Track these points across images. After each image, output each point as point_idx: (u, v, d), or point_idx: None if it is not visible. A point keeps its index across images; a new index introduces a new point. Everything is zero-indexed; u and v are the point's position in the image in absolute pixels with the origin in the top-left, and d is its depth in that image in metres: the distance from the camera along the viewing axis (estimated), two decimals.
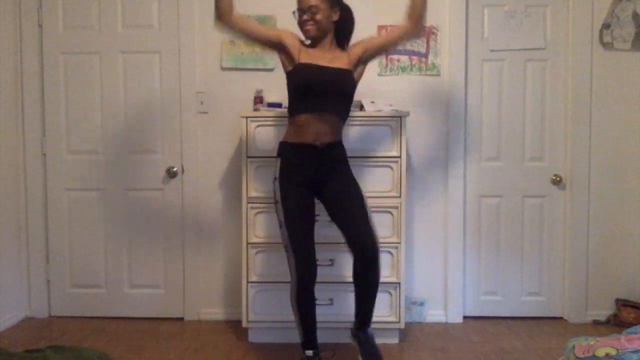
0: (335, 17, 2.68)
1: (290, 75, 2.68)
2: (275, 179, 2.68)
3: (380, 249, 2.60)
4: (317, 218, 2.95)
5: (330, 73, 2.61)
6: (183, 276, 3.59)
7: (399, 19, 3.45)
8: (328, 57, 2.66)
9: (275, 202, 2.68)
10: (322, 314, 2.98)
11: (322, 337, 2.98)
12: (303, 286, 2.64)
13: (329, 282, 3.06)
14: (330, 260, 3.08)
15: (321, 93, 2.58)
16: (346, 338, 3.13)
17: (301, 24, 2.67)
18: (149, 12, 3.52)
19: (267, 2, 3.49)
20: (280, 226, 2.68)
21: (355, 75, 2.73)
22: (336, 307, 3.10)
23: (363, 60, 2.74)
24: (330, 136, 2.63)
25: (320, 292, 3.04)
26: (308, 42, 2.72)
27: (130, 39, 3.53)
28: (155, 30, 3.53)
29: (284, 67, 2.71)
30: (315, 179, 2.65)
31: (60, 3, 3.53)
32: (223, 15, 2.58)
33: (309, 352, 2.71)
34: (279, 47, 2.67)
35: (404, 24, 2.72)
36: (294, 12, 2.68)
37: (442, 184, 3.55)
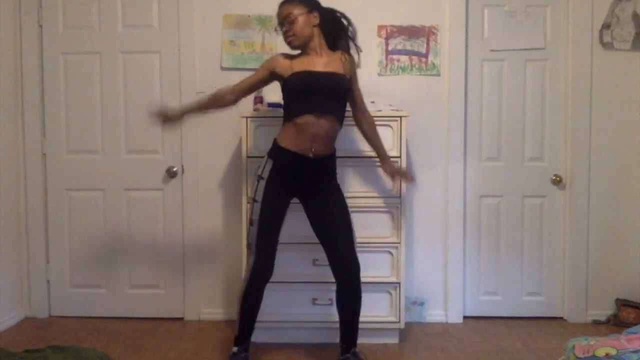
0: (315, 20, 2.69)
1: (285, 85, 2.70)
2: (259, 177, 2.70)
3: (359, 270, 2.69)
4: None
5: (324, 77, 2.64)
6: (183, 276, 3.59)
7: (399, 19, 3.48)
8: (322, 62, 2.68)
9: (253, 200, 2.70)
10: (322, 313, 2.99)
11: (322, 337, 3.00)
12: (255, 284, 2.69)
13: (329, 282, 3.06)
14: None
15: (316, 96, 2.61)
16: None
17: (284, 37, 2.72)
18: (149, 12, 3.52)
19: (267, 2, 3.48)
20: (251, 224, 2.70)
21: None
22: (336, 307, 3.09)
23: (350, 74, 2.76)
24: (324, 146, 2.65)
25: (320, 292, 3.06)
26: (297, 52, 2.74)
27: (130, 39, 3.53)
28: (155, 30, 3.53)
29: (281, 83, 2.74)
30: (301, 187, 2.71)
31: (60, 3, 3.53)
32: (226, 104, 2.79)
33: (235, 349, 2.74)
34: (273, 77, 2.74)
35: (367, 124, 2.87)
36: (275, 29, 2.76)
37: (442, 184, 3.55)
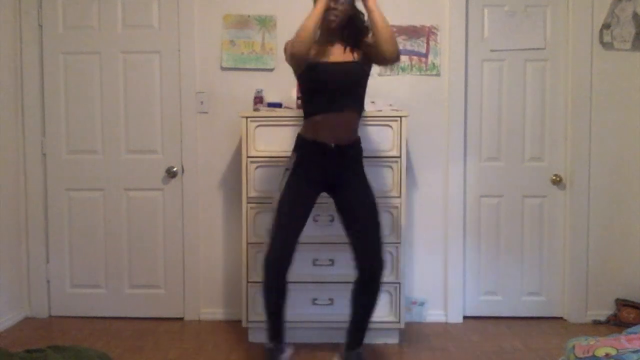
0: (351, 11, 2.64)
1: (301, 77, 2.67)
2: (286, 169, 2.68)
3: (382, 270, 2.61)
4: (317, 218, 2.97)
5: (339, 68, 2.60)
6: (183, 276, 3.59)
7: (399, 19, 3.48)
8: (337, 52, 2.65)
9: (278, 190, 2.68)
10: (322, 314, 2.99)
11: (322, 337, 3.00)
12: (269, 272, 2.58)
13: (329, 282, 3.07)
14: (330, 260, 3.08)
15: (332, 90, 2.58)
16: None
17: (327, 11, 2.57)
18: (149, 12, 3.52)
19: (267, 2, 3.49)
20: (272, 211, 2.66)
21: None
22: (336, 307, 3.09)
23: (367, 58, 2.67)
24: (346, 133, 2.63)
25: (320, 292, 3.05)
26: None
27: (130, 39, 3.53)
28: (155, 30, 3.53)
29: (295, 71, 2.68)
30: (327, 178, 2.66)
31: (60, 3, 3.53)
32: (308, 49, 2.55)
33: (269, 344, 2.67)
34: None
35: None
36: None
37: (442, 184, 3.55)
